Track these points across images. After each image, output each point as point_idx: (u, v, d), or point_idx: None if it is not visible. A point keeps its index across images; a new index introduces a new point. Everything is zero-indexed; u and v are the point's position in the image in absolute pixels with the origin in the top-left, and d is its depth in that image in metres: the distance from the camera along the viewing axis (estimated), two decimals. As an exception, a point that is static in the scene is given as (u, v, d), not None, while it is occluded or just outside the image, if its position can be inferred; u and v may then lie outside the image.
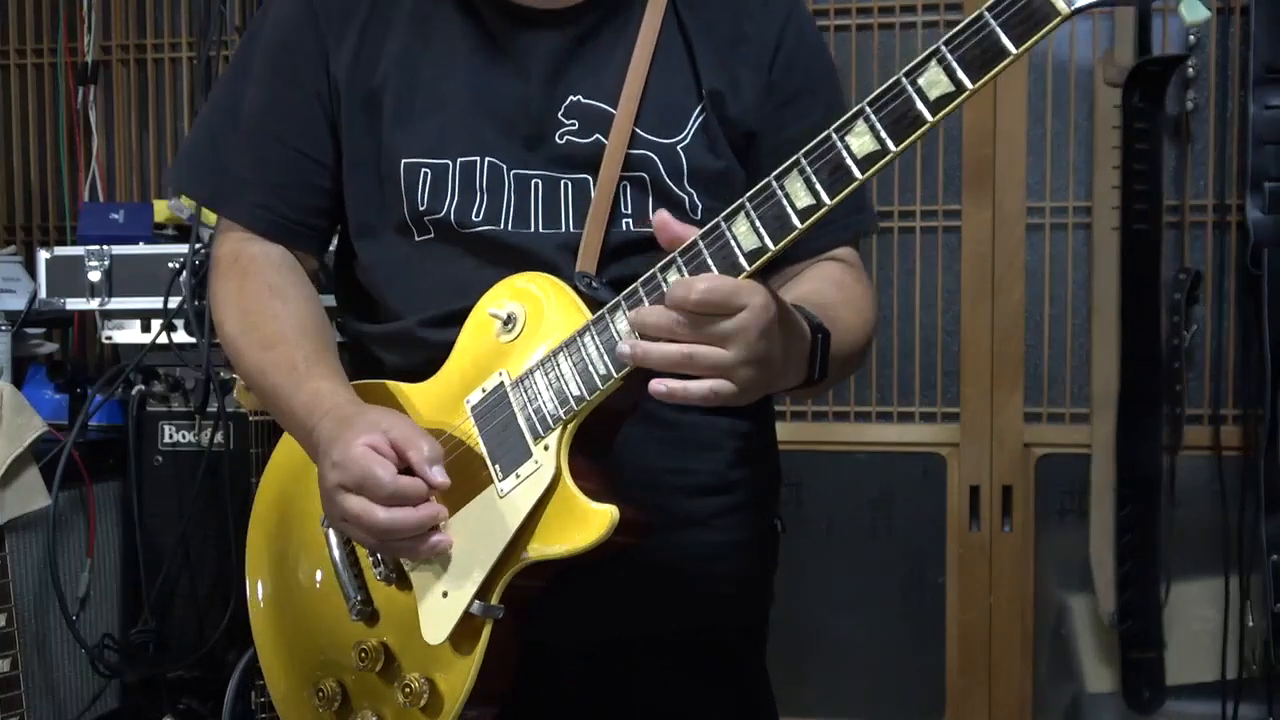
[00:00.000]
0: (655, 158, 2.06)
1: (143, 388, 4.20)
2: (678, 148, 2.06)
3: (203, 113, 2.30)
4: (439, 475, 1.83)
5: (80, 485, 4.09)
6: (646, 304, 1.76)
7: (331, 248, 2.30)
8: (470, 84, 2.08)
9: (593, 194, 2.04)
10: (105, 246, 4.13)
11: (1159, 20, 4.16)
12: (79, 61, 4.86)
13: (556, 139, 2.05)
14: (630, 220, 2.05)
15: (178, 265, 4.00)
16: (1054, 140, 4.34)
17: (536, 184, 2.06)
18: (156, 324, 4.07)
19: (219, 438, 4.14)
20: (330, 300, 2.27)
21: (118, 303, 4.15)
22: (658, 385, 1.70)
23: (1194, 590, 4.25)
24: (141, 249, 4.14)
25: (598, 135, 2.05)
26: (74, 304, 4.18)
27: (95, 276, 4.12)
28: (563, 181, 2.05)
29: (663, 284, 1.75)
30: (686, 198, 2.07)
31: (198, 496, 4.14)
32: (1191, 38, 4.16)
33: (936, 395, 4.44)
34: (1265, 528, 4.04)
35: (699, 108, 2.08)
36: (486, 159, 2.06)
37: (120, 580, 4.29)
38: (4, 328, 4.20)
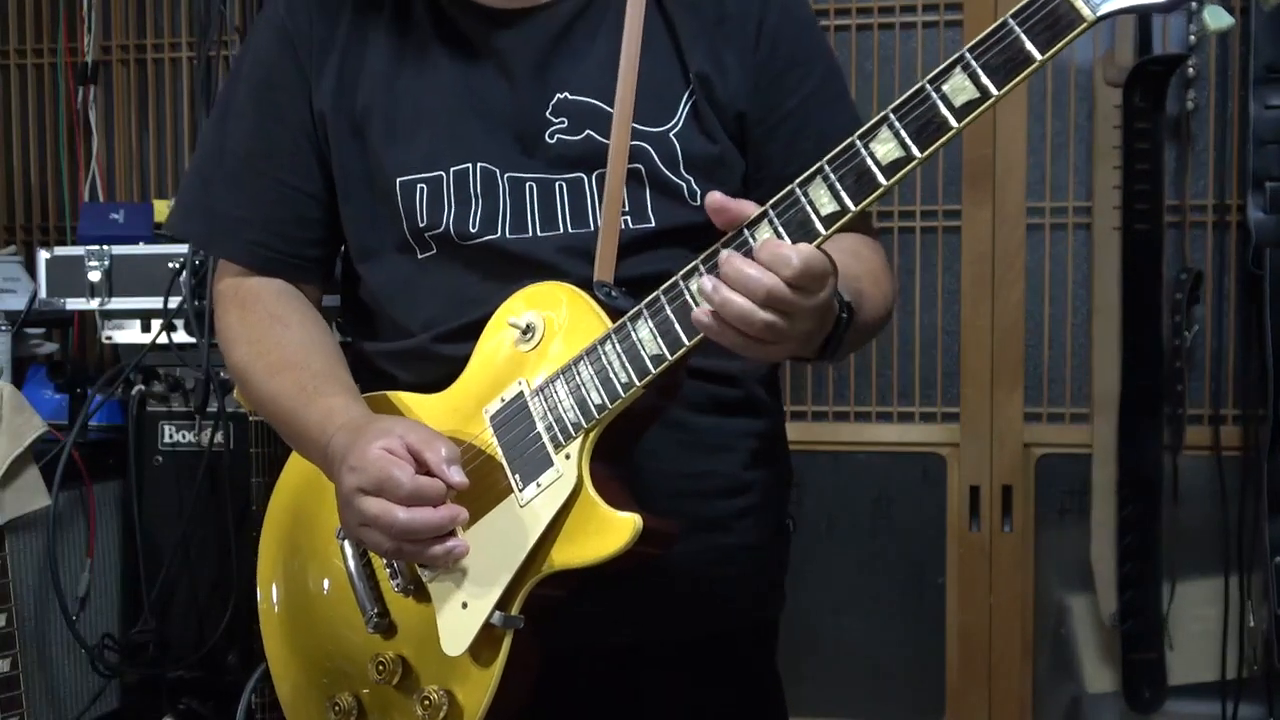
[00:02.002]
0: (649, 147, 2.05)
1: (143, 388, 4.19)
2: (670, 134, 2.05)
3: (195, 155, 2.33)
4: (457, 475, 1.84)
5: (80, 485, 4.09)
6: (669, 311, 1.76)
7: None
8: (455, 93, 2.08)
9: (589, 194, 2.04)
10: (105, 246, 4.12)
11: (1159, 20, 4.15)
12: (79, 61, 4.84)
13: (547, 138, 2.05)
14: (629, 218, 2.04)
15: (178, 265, 3.99)
16: (1054, 140, 4.33)
17: (531, 187, 2.05)
18: (156, 324, 4.06)
19: (219, 438, 4.14)
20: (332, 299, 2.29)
21: (118, 303, 4.14)
22: (700, 315, 1.70)
23: (1195, 590, 4.25)
24: (141, 249, 4.13)
25: (589, 131, 2.04)
26: (74, 304, 4.17)
27: (95, 276, 4.11)
28: (557, 183, 2.05)
29: (685, 291, 1.75)
30: (684, 184, 2.06)
31: (198, 496, 4.13)
32: (1192, 38, 4.15)
33: (936, 395, 4.44)
34: (1268, 529, 4.04)
35: (687, 92, 2.07)
36: (479, 164, 2.06)
37: (120, 580, 4.29)
38: (4, 328, 4.19)
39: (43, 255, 4.19)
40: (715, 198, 1.73)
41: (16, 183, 4.97)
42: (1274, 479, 4.03)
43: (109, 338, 4.23)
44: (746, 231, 1.72)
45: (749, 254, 1.68)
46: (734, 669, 2.24)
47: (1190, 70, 4.16)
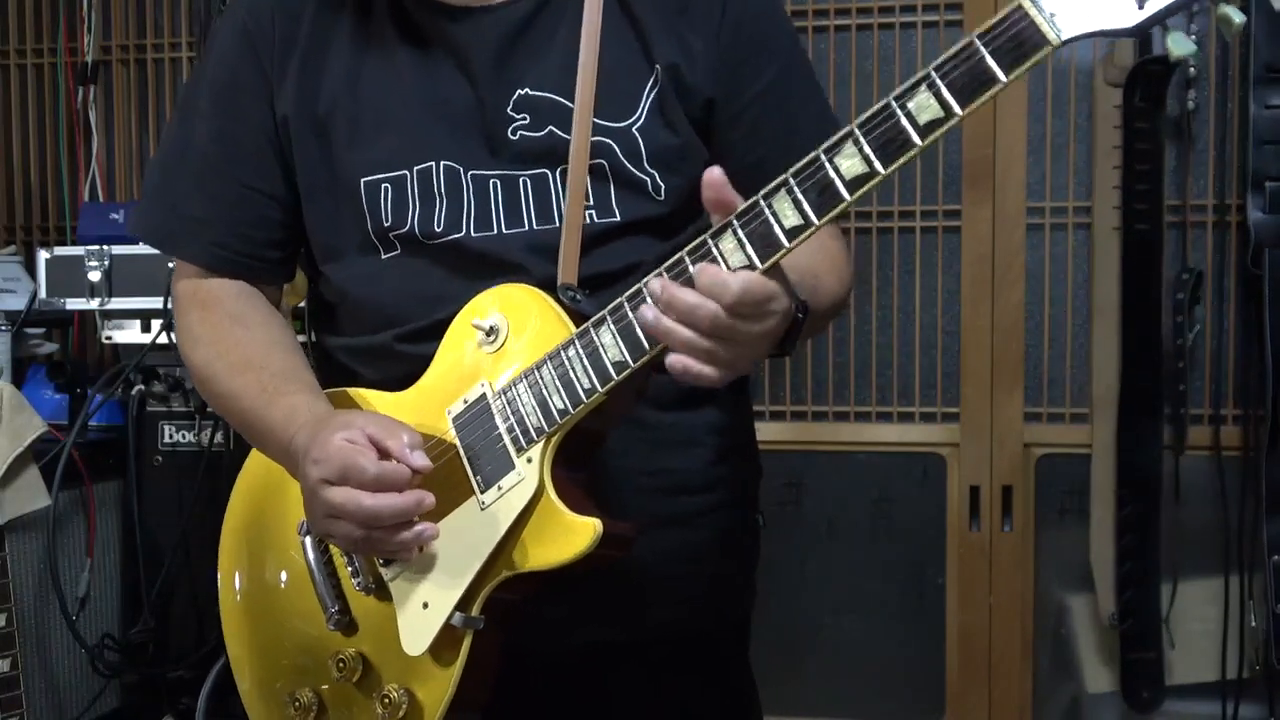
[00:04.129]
0: (611, 143, 2.04)
1: (143, 388, 4.21)
2: (633, 129, 2.04)
3: (157, 154, 2.33)
4: (420, 459, 1.84)
5: (80, 485, 4.10)
6: (632, 317, 1.76)
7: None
8: (417, 92, 2.08)
9: (553, 190, 2.04)
10: (105, 246, 4.15)
11: (1159, 20, 4.14)
12: (79, 61, 4.85)
13: (510, 135, 2.04)
14: (594, 212, 2.03)
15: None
16: (1054, 140, 4.33)
17: (495, 184, 2.05)
18: (156, 324, 4.08)
19: (219, 438, 4.15)
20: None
21: (118, 303, 4.16)
22: (674, 361, 1.70)
23: (1195, 590, 4.24)
24: (141, 249, 4.14)
25: (551, 127, 2.03)
26: (74, 304, 4.20)
27: (95, 276, 4.14)
28: (521, 179, 2.04)
29: (649, 298, 1.74)
30: (648, 179, 2.05)
31: (198, 496, 4.15)
32: (1192, 38, 4.14)
33: (936, 395, 4.43)
34: (1266, 528, 4.03)
35: (650, 83, 2.05)
36: (442, 163, 2.05)
37: (120, 580, 4.30)
38: (4, 328, 4.21)
39: (43, 255, 4.21)
40: (715, 173, 1.71)
41: (16, 183, 4.98)
42: (1272, 478, 4.02)
43: (109, 338, 4.25)
44: (710, 241, 1.71)
45: (689, 281, 1.69)
46: (705, 669, 2.23)
47: (1190, 70, 4.15)
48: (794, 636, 4.45)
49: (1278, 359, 4.00)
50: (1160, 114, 4.09)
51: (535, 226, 2.04)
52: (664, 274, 1.73)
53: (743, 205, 1.70)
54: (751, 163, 1.97)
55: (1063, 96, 4.31)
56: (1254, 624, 4.17)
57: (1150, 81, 4.04)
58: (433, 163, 2.05)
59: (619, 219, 2.03)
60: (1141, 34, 1.57)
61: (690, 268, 1.70)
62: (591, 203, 2.03)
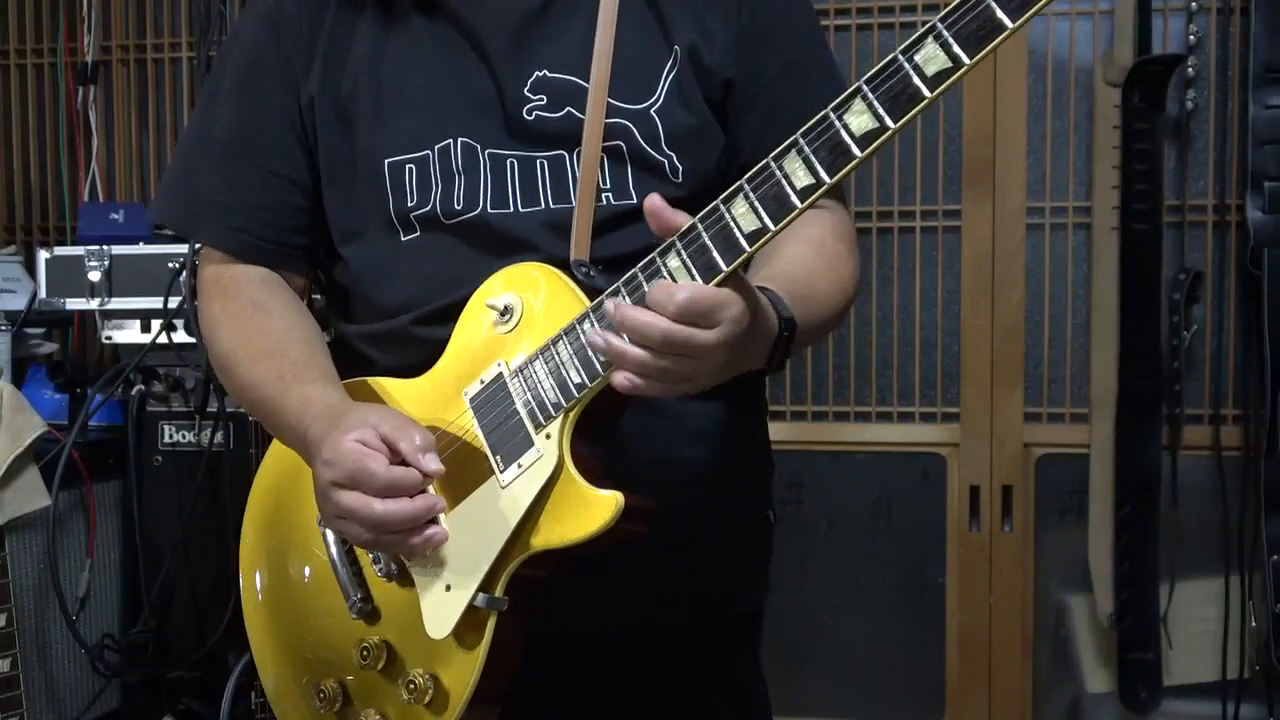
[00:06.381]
0: (630, 125, 2.04)
1: (143, 388, 4.20)
2: (651, 111, 2.04)
3: (180, 141, 2.33)
4: (432, 463, 1.83)
5: (80, 485, 4.09)
6: (646, 289, 1.74)
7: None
8: (437, 73, 2.08)
9: (570, 171, 2.03)
10: (105, 246, 4.13)
11: (1159, 20, 4.16)
12: (79, 61, 4.85)
13: (526, 115, 2.04)
14: (610, 195, 2.03)
15: (178, 265, 4.00)
16: (1054, 140, 4.33)
17: (512, 163, 2.04)
18: (156, 324, 4.07)
19: (219, 438, 4.14)
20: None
21: (118, 303, 4.15)
22: (621, 379, 1.71)
23: (1194, 590, 4.25)
24: (141, 249, 4.14)
25: (569, 109, 2.03)
26: (74, 304, 4.19)
27: (95, 276, 4.12)
28: (538, 160, 2.04)
29: (662, 268, 1.74)
30: (665, 161, 2.05)
31: (198, 496, 4.14)
32: (1192, 38, 4.16)
33: (936, 395, 4.43)
34: (1266, 528, 4.04)
35: (670, 64, 2.06)
36: (460, 139, 2.05)
37: (120, 580, 4.29)
38: (4, 328, 4.20)
39: (43, 255, 4.20)
40: (654, 200, 1.72)
41: (16, 183, 4.98)
42: (1271, 478, 4.03)
43: (109, 338, 4.24)
44: (722, 206, 1.70)
45: (641, 299, 1.71)
46: (716, 659, 2.22)
47: (1190, 70, 4.16)
48: (794, 636, 4.45)
49: (1277, 359, 4.01)
50: (1159, 114, 4.10)
51: (552, 205, 2.03)
52: (621, 292, 1.77)
53: (754, 169, 1.70)
54: (767, 145, 1.98)
55: (1062, 96, 4.32)
56: (1254, 624, 4.18)
57: (1149, 81, 4.05)
58: (451, 139, 2.05)
59: (635, 201, 2.02)
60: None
61: (704, 235, 1.70)
62: (609, 185, 2.03)
